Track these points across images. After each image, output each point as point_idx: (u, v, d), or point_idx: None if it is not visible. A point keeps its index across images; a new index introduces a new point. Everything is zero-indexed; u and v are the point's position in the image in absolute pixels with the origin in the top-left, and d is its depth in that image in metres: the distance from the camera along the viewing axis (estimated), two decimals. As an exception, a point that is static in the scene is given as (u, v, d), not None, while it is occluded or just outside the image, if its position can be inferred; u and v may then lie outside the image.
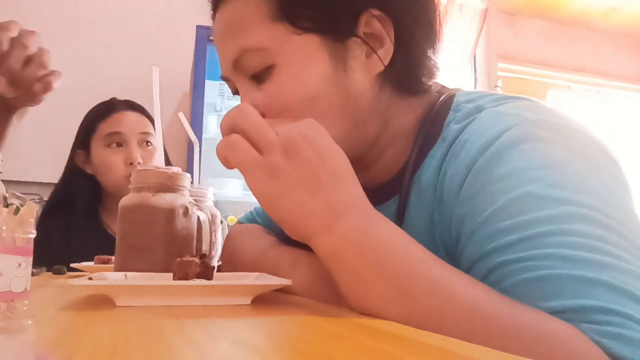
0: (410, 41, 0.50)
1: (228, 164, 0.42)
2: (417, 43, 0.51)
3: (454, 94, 0.53)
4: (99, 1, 2.07)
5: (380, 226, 0.40)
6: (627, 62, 3.35)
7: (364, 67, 0.49)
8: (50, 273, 0.82)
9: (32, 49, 0.66)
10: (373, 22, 0.49)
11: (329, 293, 0.48)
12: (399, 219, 0.52)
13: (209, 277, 0.45)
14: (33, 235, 0.32)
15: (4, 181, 0.41)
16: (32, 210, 0.32)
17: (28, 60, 0.66)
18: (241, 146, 0.41)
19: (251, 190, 0.41)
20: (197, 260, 0.46)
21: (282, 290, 0.49)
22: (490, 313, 0.34)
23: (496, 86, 2.83)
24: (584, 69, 3.23)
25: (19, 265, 0.31)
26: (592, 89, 3.34)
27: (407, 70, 0.51)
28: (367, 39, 0.49)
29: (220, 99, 2.00)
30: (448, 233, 0.46)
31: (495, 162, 0.41)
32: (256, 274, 0.52)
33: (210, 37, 1.87)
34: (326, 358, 0.23)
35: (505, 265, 0.36)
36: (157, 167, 0.62)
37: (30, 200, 0.33)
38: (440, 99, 0.53)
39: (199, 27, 1.90)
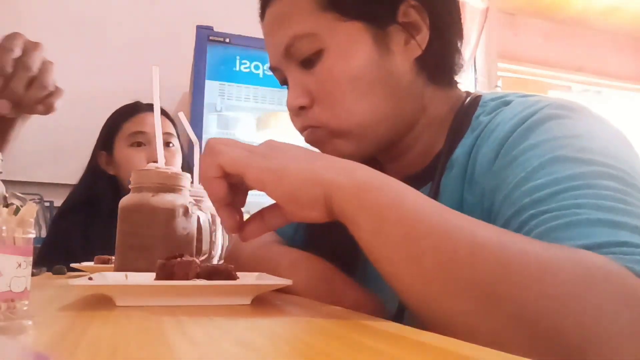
0: (445, 31, 0.56)
1: (219, 167, 0.41)
2: (450, 32, 0.56)
3: (481, 95, 0.58)
4: (98, 1, 2.07)
5: (390, 177, 0.40)
6: (627, 62, 3.35)
7: (404, 52, 0.54)
8: (50, 273, 0.82)
9: (35, 68, 0.65)
10: (411, 12, 0.54)
11: (329, 294, 0.48)
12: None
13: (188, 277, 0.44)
14: (33, 235, 0.32)
15: (4, 181, 0.41)
16: (32, 210, 0.32)
17: (31, 82, 0.65)
18: (229, 144, 0.41)
19: (254, 175, 0.40)
20: (197, 260, 0.46)
21: (282, 290, 0.49)
22: (525, 248, 0.33)
23: (496, 86, 2.83)
24: (584, 68, 3.23)
25: (19, 265, 0.31)
26: (592, 88, 3.34)
27: (441, 57, 0.56)
28: (405, 27, 0.54)
29: (220, 99, 2.00)
30: (479, 210, 0.48)
31: (526, 135, 0.45)
32: (256, 274, 0.52)
33: (211, 37, 1.87)
34: (326, 358, 0.23)
35: (537, 216, 0.38)
36: (157, 167, 0.62)
37: (30, 200, 0.33)
38: (469, 98, 0.58)
39: (199, 27, 1.89)
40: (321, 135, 0.56)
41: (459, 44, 0.57)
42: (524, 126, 0.46)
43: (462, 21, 0.59)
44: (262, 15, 0.59)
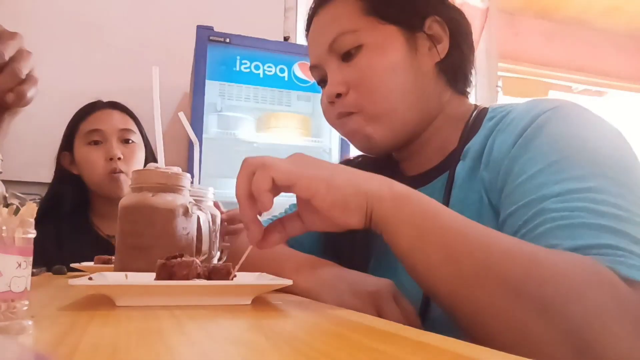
0: (461, 44, 0.66)
1: (272, 179, 0.43)
2: (465, 44, 0.66)
3: (487, 107, 0.65)
4: (99, 1, 2.07)
5: (421, 193, 0.46)
6: (628, 61, 3.35)
7: (428, 55, 0.64)
8: (50, 273, 0.82)
9: (6, 56, 0.63)
10: (434, 26, 0.64)
11: (331, 297, 0.49)
12: (449, 184, 0.60)
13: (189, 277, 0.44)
14: (33, 235, 0.32)
15: (4, 181, 0.41)
16: (32, 210, 0.32)
17: (0, 69, 0.62)
18: (274, 159, 0.44)
19: (305, 184, 0.43)
20: (197, 260, 0.46)
21: (282, 290, 0.49)
22: (539, 254, 0.40)
23: (496, 86, 2.83)
24: (585, 68, 3.23)
25: (19, 265, 0.31)
26: (593, 88, 3.34)
27: (458, 66, 0.66)
28: (429, 36, 0.64)
29: (220, 99, 1.99)
30: (495, 185, 0.54)
31: (542, 128, 0.51)
32: (256, 273, 0.52)
33: (211, 37, 1.87)
34: (326, 358, 0.23)
35: (541, 215, 0.44)
36: (157, 167, 0.62)
37: (30, 200, 0.33)
38: (477, 108, 0.66)
39: (199, 27, 1.88)
40: (355, 122, 0.63)
41: (472, 59, 0.68)
42: (538, 120, 0.52)
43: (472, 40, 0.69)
44: (309, 25, 0.69)
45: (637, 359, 0.35)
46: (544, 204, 0.45)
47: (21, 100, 0.65)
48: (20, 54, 0.64)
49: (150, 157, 1.36)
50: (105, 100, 1.38)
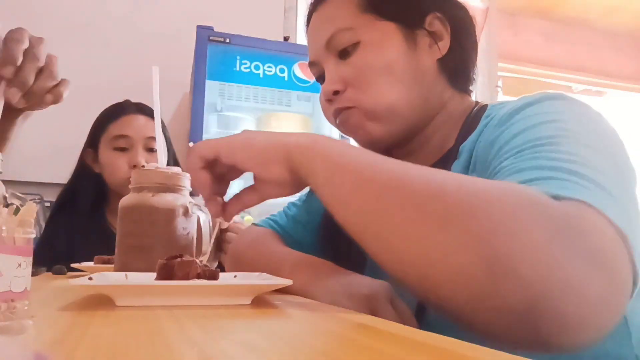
0: (463, 42, 0.65)
1: (200, 157, 0.48)
2: (468, 42, 0.66)
3: (487, 104, 0.65)
4: (98, 1, 2.07)
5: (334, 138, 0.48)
6: (628, 61, 3.35)
7: (428, 52, 0.63)
8: (50, 273, 0.82)
9: (43, 59, 0.66)
10: (435, 22, 0.63)
11: (326, 299, 0.49)
12: None
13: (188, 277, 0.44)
14: (33, 235, 0.32)
15: (4, 181, 0.41)
16: (32, 210, 0.32)
17: (39, 72, 0.67)
18: (206, 140, 0.49)
19: (225, 150, 0.47)
20: (197, 260, 0.46)
21: (282, 290, 0.49)
22: (435, 172, 0.40)
23: (496, 86, 2.83)
24: (584, 68, 3.23)
25: (19, 265, 0.31)
26: (593, 88, 3.34)
27: (459, 63, 0.65)
28: (430, 33, 0.63)
29: (220, 99, 1.99)
30: None
31: (516, 112, 0.52)
32: (256, 273, 0.52)
33: (211, 37, 1.87)
34: (326, 358, 0.23)
35: (500, 169, 0.46)
36: (157, 167, 0.62)
37: (30, 200, 0.33)
38: (477, 105, 0.66)
39: (199, 27, 1.88)
40: (354, 117, 0.63)
41: (474, 57, 0.67)
42: (515, 108, 0.53)
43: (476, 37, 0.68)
44: (308, 21, 0.69)
45: (551, 266, 0.33)
46: (504, 162, 0.46)
47: (58, 102, 0.70)
48: (51, 59, 0.67)
49: (172, 161, 1.35)
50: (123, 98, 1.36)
